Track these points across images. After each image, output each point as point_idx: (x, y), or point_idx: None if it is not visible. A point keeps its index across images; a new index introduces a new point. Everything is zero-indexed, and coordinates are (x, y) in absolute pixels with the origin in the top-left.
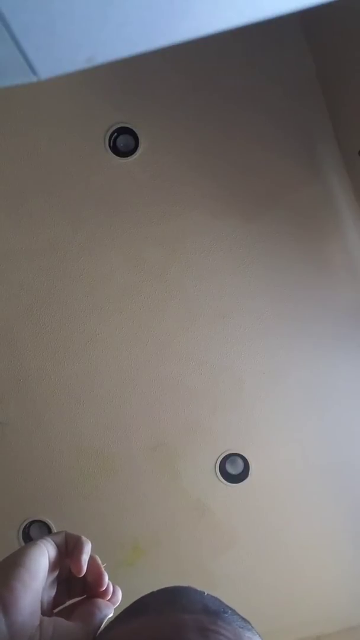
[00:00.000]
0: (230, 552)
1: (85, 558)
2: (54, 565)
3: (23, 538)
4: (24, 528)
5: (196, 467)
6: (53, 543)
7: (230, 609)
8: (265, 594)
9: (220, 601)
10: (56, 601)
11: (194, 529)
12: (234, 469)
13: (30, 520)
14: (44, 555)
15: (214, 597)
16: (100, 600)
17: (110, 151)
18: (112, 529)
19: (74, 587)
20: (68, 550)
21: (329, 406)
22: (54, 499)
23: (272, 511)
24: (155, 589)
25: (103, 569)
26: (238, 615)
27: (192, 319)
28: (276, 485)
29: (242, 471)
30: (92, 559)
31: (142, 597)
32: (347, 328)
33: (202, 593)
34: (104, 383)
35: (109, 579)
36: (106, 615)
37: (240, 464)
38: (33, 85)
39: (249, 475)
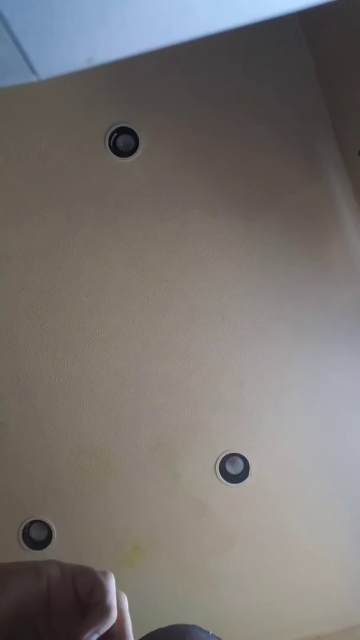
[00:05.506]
0: (230, 552)
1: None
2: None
3: (23, 538)
4: (24, 528)
5: (196, 467)
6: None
7: None
8: (266, 594)
9: None
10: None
11: (194, 529)
12: (234, 469)
13: (30, 520)
14: (24, 586)
15: (217, 637)
16: None
17: (110, 151)
18: (112, 529)
19: None
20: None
21: (329, 406)
22: (54, 499)
23: (272, 511)
24: (155, 589)
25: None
26: None
27: (192, 319)
28: (276, 485)
29: (242, 471)
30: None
31: (152, 633)
32: (348, 328)
33: (207, 632)
34: (103, 383)
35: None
36: None
37: (240, 464)
38: (33, 85)
39: (249, 475)
